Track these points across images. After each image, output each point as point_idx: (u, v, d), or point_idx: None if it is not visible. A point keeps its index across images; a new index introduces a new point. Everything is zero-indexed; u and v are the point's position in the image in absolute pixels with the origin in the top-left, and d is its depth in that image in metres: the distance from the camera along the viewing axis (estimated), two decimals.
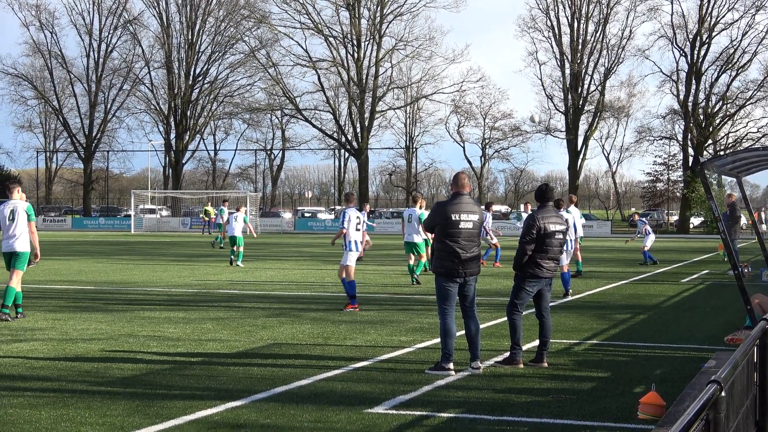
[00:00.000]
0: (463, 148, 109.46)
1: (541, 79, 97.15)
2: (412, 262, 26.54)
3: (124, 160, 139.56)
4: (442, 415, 9.85)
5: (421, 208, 26.48)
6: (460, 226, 12.34)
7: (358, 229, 20.47)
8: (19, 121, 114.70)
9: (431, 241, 22.63)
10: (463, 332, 12.63)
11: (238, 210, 35.34)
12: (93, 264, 34.54)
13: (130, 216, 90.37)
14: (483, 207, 25.90)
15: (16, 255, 17.86)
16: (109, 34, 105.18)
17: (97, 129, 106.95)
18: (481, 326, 13.12)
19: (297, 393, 10.86)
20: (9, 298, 17.64)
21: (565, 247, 22.52)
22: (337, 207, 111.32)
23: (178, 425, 9.26)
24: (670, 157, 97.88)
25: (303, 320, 17.75)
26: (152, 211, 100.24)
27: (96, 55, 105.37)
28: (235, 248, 33.93)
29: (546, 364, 12.81)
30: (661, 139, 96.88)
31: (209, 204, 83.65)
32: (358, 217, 20.54)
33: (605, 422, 9.66)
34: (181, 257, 40.49)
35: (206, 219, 77.52)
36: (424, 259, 26.73)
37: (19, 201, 18.15)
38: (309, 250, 45.66)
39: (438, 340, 12.87)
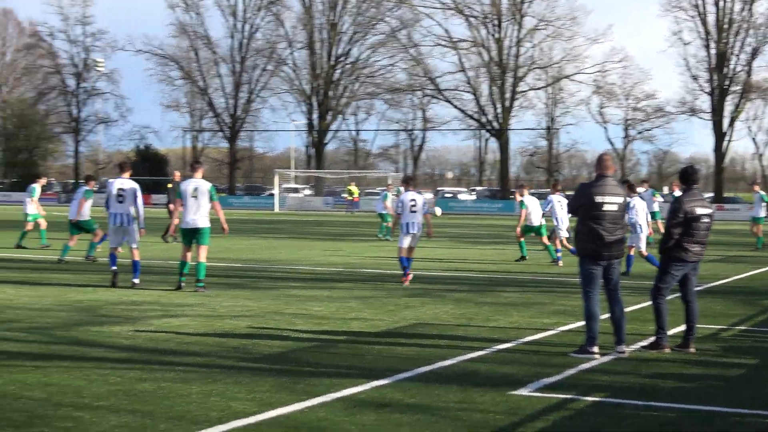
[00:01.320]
0: (605, 129, 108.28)
1: (685, 59, 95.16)
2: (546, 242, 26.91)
3: (268, 139, 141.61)
4: (587, 398, 9.79)
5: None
6: (604, 209, 12.20)
7: (413, 211, 20.85)
8: (167, 101, 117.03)
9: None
10: (607, 315, 12.52)
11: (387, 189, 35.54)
12: (239, 242, 35.13)
13: (273, 195, 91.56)
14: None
15: (199, 231, 18.89)
16: (252, 14, 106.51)
17: (242, 109, 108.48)
18: (626, 310, 12.97)
19: (441, 373, 10.90)
20: (202, 273, 19.00)
21: (637, 229, 23.32)
22: (478, 188, 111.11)
23: (325, 402, 9.38)
24: None
25: (446, 300, 17.80)
26: (295, 190, 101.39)
27: (240, 36, 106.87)
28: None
29: (693, 350, 12.62)
30: None
31: (352, 183, 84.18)
32: (413, 200, 20.90)
33: (755, 410, 9.49)
34: (324, 236, 40.91)
35: (349, 198, 78.11)
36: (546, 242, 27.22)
37: (201, 180, 19.17)
38: (449, 231, 45.67)
39: (582, 323, 12.78)
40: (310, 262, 26.27)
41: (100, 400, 9.34)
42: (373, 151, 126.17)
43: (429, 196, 34.97)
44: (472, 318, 15.49)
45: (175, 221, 20.33)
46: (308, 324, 14.60)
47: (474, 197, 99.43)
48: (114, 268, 19.82)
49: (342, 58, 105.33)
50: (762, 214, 33.16)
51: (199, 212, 18.95)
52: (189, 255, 19.32)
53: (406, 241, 20.95)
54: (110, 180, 20.24)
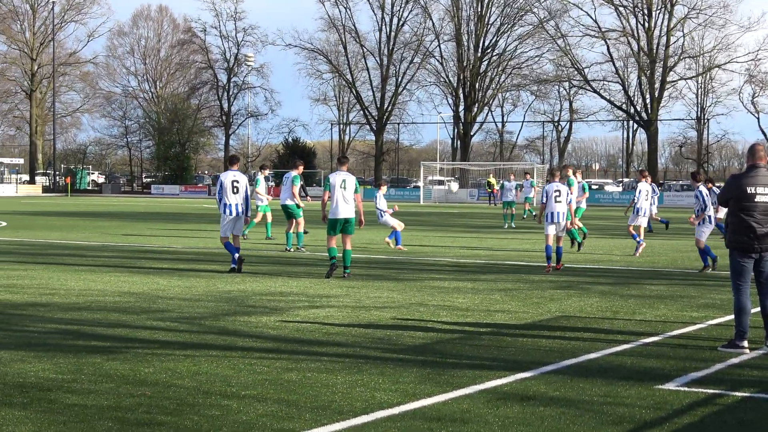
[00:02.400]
0: (758, 119, 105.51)
1: None
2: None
3: (414, 132, 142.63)
4: (736, 394, 9.56)
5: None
6: (756, 200, 11.90)
7: (558, 201, 21.52)
8: (315, 95, 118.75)
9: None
10: (758, 309, 12.21)
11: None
12: (383, 234, 35.30)
13: (419, 187, 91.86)
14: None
15: (348, 221, 19.87)
16: (400, 8, 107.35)
17: (389, 102, 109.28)
18: None
19: (586, 366, 10.78)
20: (348, 260, 19.99)
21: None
22: (625, 180, 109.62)
23: (469, 394, 9.35)
24: None
25: (591, 293, 17.60)
26: (441, 183, 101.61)
27: (388, 29, 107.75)
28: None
29: None
30: None
31: (491, 175, 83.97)
32: (557, 190, 21.58)
33: None
34: (469, 228, 40.87)
35: (489, 190, 77.89)
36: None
37: (348, 173, 20.19)
38: (595, 222, 45.16)
39: (731, 317, 12.49)
40: (454, 254, 26.27)
41: (247, 389, 9.47)
42: (519, 143, 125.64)
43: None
44: (617, 311, 15.29)
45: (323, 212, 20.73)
46: (452, 316, 14.59)
47: (621, 189, 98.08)
48: (237, 254, 20.94)
49: (489, 50, 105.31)
50: None
51: (347, 204, 19.80)
52: (334, 242, 20.17)
53: (552, 230, 21.52)
54: (222, 174, 21.14)
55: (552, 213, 21.52)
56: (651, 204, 27.93)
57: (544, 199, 21.66)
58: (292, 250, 26.19)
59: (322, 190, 21.00)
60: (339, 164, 20.62)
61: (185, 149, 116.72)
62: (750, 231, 11.86)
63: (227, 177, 20.99)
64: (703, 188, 23.04)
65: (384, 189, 28.57)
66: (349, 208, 19.88)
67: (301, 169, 26.57)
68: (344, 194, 19.81)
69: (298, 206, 25.93)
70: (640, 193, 26.23)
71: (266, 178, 25.50)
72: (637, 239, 26.15)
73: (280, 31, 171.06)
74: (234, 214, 20.97)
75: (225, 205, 20.92)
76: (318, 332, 12.90)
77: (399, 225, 27.00)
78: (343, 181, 19.89)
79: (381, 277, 20.05)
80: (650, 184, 27.14)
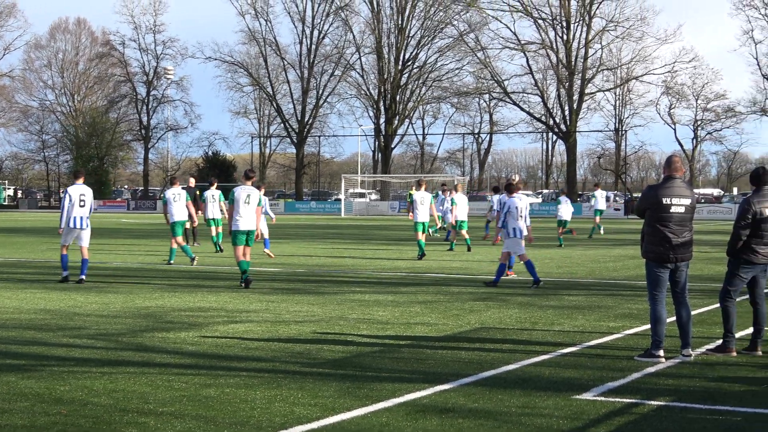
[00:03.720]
0: (674, 130, 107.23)
1: (756, 59, 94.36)
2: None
3: (335, 144, 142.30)
4: (652, 403, 9.68)
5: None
6: (671, 211, 12.06)
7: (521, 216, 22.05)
8: (235, 108, 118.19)
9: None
10: (673, 319, 12.38)
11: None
12: (305, 247, 35.29)
13: (340, 200, 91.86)
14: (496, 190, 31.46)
15: (252, 233, 20.96)
16: (321, 20, 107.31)
17: (309, 114, 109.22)
18: (693, 313, 12.82)
19: (504, 378, 10.85)
20: (246, 267, 20.72)
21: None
22: (545, 191, 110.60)
23: (388, 407, 9.36)
24: None
25: (510, 305, 17.71)
26: (362, 195, 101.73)
27: (309, 42, 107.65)
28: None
29: (760, 353, 12.44)
30: None
31: (412, 188, 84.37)
32: (517, 207, 21.97)
33: None
34: (390, 240, 40.92)
35: (410, 202, 78.14)
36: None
37: (253, 188, 21.11)
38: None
39: (648, 326, 12.66)
40: (374, 267, 26.29)
41: (164, 405, 9.39)
42: (440, 155, 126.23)
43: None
44: (536, 322, 15.41)
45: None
46: (372, 329, 14.60)
47: (540, 200, 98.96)
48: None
49: (409, 63, 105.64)
50: None
51: (251, 217, 20.88)
52: (241, 254, 20.87)
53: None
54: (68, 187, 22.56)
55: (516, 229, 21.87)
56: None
57: (504, 214, 21.95)
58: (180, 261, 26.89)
59: (227, 203, 21.58)
60: (245, 179, 21.41)
61: (104, 163, 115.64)
62: (666, 241, 12.02)
63: (243, 191, 21.07)
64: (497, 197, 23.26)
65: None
66: (253, 221, 20.91)
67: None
68: (248, 208, 20.79)
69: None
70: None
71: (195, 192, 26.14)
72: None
73: (200, 43, 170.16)
74: (74, 226, 22.02)
75: (71, 218, 22.03)
76: (237, 347, 12.84)
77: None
78: (248, 195, 20.85)
79: (301, 291, 20.01)
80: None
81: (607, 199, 49.35)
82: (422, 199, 30.04)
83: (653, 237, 12.14)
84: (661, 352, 11.95)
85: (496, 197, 37.38)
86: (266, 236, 29.37)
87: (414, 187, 30.59)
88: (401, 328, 14.68)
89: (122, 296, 18.88)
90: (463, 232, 34.23)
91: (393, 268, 26.12)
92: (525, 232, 21.83)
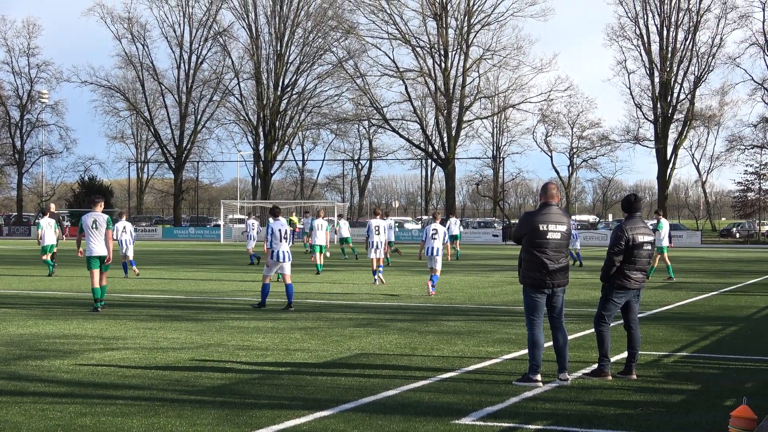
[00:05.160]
0: (551, 157, 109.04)
1: (629, 88, 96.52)
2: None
3: (214, 170, 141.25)
4: (530, 426, 9.79)
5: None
6: (548, 237, 12.25)
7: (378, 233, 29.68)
8: (112, 132, 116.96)
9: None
10: (551, 343, 12.55)
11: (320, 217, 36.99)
12: (183, 273, 34.95)
13: (219, 226, 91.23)
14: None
15: (102, 258, 21.59)
16: (199, 45, 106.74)
17: (188, 140, 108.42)
18: (570, 337, 13.02)
19: (384, 403, 10.87)
20: (103, 294, 21.57)
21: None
22: (424, 217, 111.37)
23: None
24: (762, 166, 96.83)
25: (390, 330, 17.77)
26: (241, 221, 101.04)
27: (186, 67, 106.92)
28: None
29: (635, 376, 12.68)
30: (752, 148, 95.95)
31: (293, 214, 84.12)
32: (377, 226, 29.23)
33: None
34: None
35: (291, 228, 78.02)
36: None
37: (101, 213, 21.83)
38: (394, 261, 45.68)
39: (526, 351, 12.81)
40: (254, 293, 26.13)
41: None
42: (320, 181, 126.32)
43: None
44: (416, 347, 15.48)
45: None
46: (251, 356, 14.52)
47: (420, 226, 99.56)
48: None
49: (288, 89, 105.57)
50: (665, 243, 33.06)
51: (101, 242, 21.46)
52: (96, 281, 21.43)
53: (431, 262, 25.92)
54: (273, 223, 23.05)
55: (431, 248, 25.69)
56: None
57: (424, 237, 25.92)
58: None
59: (78, 231, 22.08)
60: (92, 204, 22.02)
61: None
62: (542, 267, 12.19)
63: (276, 225, 22.48)
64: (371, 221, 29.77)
65: None
66: (103, 246, 21.44)
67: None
68: (97, 233, 21.44)
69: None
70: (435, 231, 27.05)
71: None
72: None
73: (76, 67, 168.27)
74: (284, 260, 22.45)
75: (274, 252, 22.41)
76: (113, 375, 12.65)
77: None
78: (95, 221, 21.48)
79: (179, 318, 19.80)
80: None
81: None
82: (320, 225, 35.47)
83: (530, 263, 12.31)
84: (539, 377, 12.10)
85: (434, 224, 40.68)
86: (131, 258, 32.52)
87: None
88: (281, 355, 14.63)
89: None
90: (320, 255, 36.89)
91: (272, 293, 25.95)
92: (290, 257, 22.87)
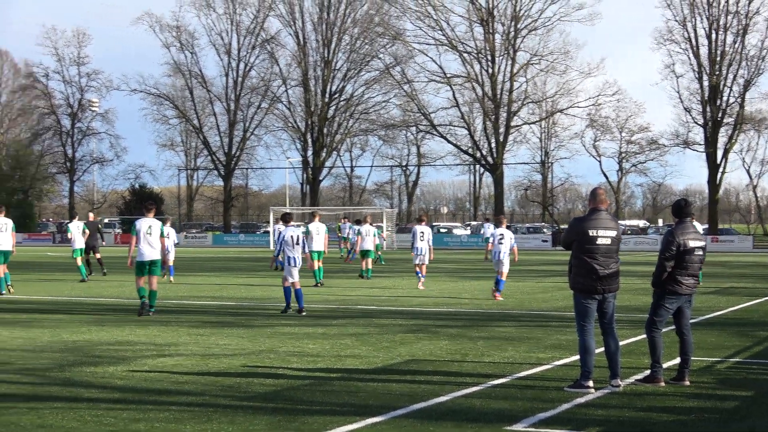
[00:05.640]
0: (600, 162, 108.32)
1: (678, 92, 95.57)
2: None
3: (263, 177, 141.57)
4: None
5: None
6: (597, 242, 12.21)
7: (422, 240, 30.56)
8: (162, 140, 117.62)
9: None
10: (602, 349, 12.50)
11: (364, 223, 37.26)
12: (234, 279, 35.11)
13: (269, 232, 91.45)
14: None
15: (153, 263, 21.89)
16: (247, 53, 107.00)
17: (236, 147, 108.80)
18: (621, 343, 12.96)
19: (436, 410, 10.87)
20: (153, 299, 21.92)
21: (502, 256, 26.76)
22: (473, 222, 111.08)
23: None
24: None
25: (440, 336, 17.76)
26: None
27: (235, 75, 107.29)
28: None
29: (688, 382, 12.60)
30: None
31: (341, 221, 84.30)
32: (422, 232, 30.58)
33: None
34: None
35: (340, 235, 78.19)
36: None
37: (154, 219, 22.17)
38: (444, 266, 45.63)
39: (577, 357, 12.76)
40: (305, 300, 26.19)
41: None
42: (368, 187, 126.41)
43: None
44: (467, 353, 15.46)
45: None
46: (303, 362, 14.57)
47: (469, 232, 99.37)
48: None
49: (336, 95, 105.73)
50: None
51: (152, 247, 21.80)
52: (143, 282, 21.85)
53: (498, 267, 26.64)
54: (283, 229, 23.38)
55: (498, 252, 26.39)
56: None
57: (491, 241, 27.03)
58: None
59: (131, 235, 22.33)
60: (146, 211, 22.41)
61: (28, 196, 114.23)
62: (593, 273, 12.15)
63: (287, 232, 22.68)
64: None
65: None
66: (155, 252, 21.79)
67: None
68: (150, 239, 21.72)
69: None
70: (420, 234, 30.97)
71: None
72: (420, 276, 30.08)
73: (125, 76, 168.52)
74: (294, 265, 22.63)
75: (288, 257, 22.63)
76: (166, 381, 12.74)
77: None
78: (149, 226, 21.83)
79: (231, 324, 19.90)
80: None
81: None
82: (317, 229, 33.35)
83: (580, 269, 12.27)
84: (591, 383, 12.05)
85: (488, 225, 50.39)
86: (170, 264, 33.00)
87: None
88: (332, 361, 14.67)
89: (48, 330, 18.65)
90: (370, 260, 36.93)
91: (323, 300, 26.08)
92: (300, 263, 22.91)
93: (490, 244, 27.62)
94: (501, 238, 26.49)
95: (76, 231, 35.90)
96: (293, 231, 22.85)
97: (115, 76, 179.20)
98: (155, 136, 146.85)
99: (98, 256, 37.89)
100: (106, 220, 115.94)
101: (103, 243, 39.52)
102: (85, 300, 26.21)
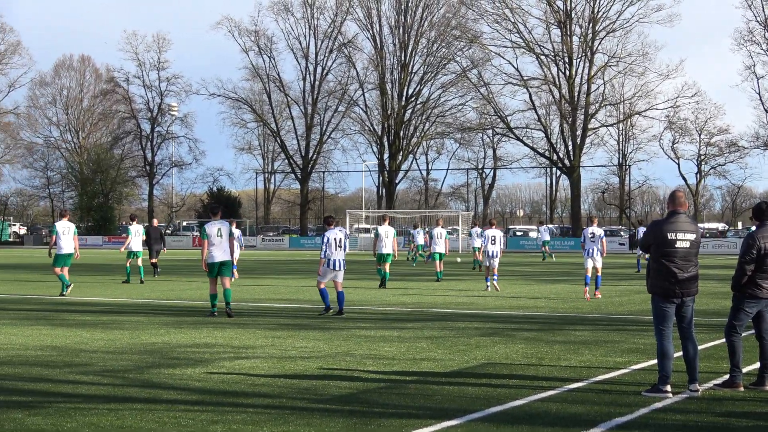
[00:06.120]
0: (678, 164, 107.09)
1: (759, 93, 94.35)
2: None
3: (339, 180, 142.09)
4: None
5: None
6: (676, 246, 12.08)
7: (493, 243, 31.37)
8: (240, 144, 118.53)
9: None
10: (680, 354, 12.36)
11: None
12: (310, 282, 35.23)
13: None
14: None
15: (224, 264, 22.54)
16: (324, 57, 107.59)
17: (313, 150, 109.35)
18: (700, 348, 12.80)
19: (512, 413, 10.81)
20: (229, 297, 22.48)
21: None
22: (549, 225, 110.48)
23: None
24: None
25: (516, 340, 17.68)
26: (367, 231, 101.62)
27: (312, 78, 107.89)
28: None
29: None
30: None
31: (421, 224, 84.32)
32: (493, 236, 30.54)
33: None
34: (394, 276, 40.78)
35: (413, 243, 78.24)
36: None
37: (223, 221, 22.89)
38: (520, 269, 45.47)
39: (654, 361, 12.63)
40: (380, 302, 26.27)
41: None
42: (444, 190, 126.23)
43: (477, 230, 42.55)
44: (543, 357, 15.38)
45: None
46: (378, 365, 14.58)
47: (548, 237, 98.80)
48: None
49: (413, 98, 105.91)
50: None
51: (223, 249, 22.46)
52: (216, 287, 22.56)
53: (589, 263, 28.30)
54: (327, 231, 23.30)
55: (590, 250, 28.14)
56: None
57: (582, 239, 28.58)
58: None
59: (201, 239, 22.95)
60: (212, 214, 23.22)
61: (108, 199, 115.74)
62: (671, 276, 12.02)
63: (331, 234, 22.77)
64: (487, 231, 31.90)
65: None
66: (225, 253, 22.43)
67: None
68: (221, 241, 22.38)
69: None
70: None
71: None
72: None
73: (204, 80, 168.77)
74: (338, 268, 22.83)
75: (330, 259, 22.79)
76: (243, 383, 12.82)
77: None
78: (218, 229, 22.47)
79: (307, 327, 19.98)
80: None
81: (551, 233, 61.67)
82: (386, 233, 33.65)
83: (659, 272, 12.15)
84: (669, 387, 11.92)
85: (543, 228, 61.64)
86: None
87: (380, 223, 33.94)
88: (408, 364, 14.66)
89: (128, 332, 18.87)
90: (440, 262, 37.74)
91: (398, 303, 26.10)
92: (344, 266, 23.12)
93: (481, 246, 31.20)
94: (592, 237, 28.33)
95: (135, 234, 36.64)
96: (336, 233, 22.92)
97: (194, 81, 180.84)
98: (233, 140, 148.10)
99: (154, 260, 39.47)
100: (184, 223, 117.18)
101: (164, 249, 40.97)
102: (164, 302, 26.48)
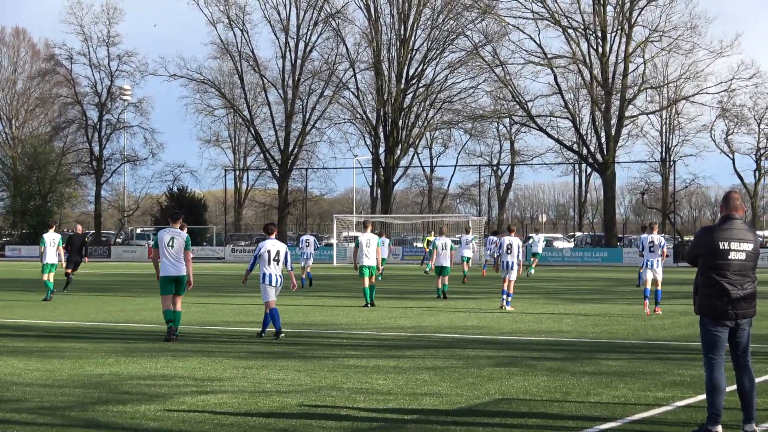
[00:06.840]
0: (733, 160, 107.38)
1: None
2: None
3: (326, 179, 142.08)
4: None
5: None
6: (729, 257, 12.08)
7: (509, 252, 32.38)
8: (205, 135, 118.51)
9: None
10: (734, 387, 12.37)
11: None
12: (289, 301, 35.21)
13: (332, 245, 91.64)
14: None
15: (179, 280, 22.76)
16: (308, 30, 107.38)
17: (294, 143, 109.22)
18: (757, 380, 12.82)
19: None
20: (177, 321, 22.79)
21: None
22: (577, 234, 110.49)
23: None
24: None
25: (537, 371, 17.71)
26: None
27: (293, 56, 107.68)
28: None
29: None
30: None
31: (432, 232, 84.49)
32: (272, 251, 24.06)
33: None
34: (391, 294, 40.81)
35: (428, 249, 78.31)
36: None
37: (179, 230, 23.19)
38: (542, 285, 45.52)
39: (703, 396, 12.66)
40: (373, 326, 26.28)
41: None
42: (451, 191, 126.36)
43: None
44: (568, 391, 15.40)
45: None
46: (371, 401, 14.59)
47: (572, 245, 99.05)
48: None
49: (414, 81, 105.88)
50: None
51: (177, 262, 22.70)
52: (169, 303, 22.80)
53: (649, 275, 30.36)
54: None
55: (649, 261, 30.03)
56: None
57: (641, 248, 30.51)
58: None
59: (152, 248, 23.54)
60: (171, 221, 23.64)
61: (47, 202, 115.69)
62: (723, 294, 12.01)
63: (266, 245, 23.42)
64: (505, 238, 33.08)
65: None
66: (179, 268, 22.64)
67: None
68: (172, 252, 22.66)
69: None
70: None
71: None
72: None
73: (163, 58, 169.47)
74: (276, 284, 23.43)
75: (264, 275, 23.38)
76: (208, 423, 12.82)
77: None
78: (172, 238, 22.75)
79: (286, 355, 20.00)
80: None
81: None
82: (368, 241, 33.60)
83: (708, 289, 12.15)
84: (719, 428, 11.93)
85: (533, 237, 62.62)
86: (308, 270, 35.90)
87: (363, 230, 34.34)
88: (406, 400, 14.68)
89: (70, 361, 18.87)
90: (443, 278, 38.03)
91: (396, 327, 26.12)
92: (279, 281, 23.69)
93: (498, 256, 32.50)
94: (651, 245, 30.07)
95: (50, 244, 37.07)
96: (273, 245, 23.38)
97: (150, 59, 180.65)
98: (198, 131, 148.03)
99: (69, 270, 40.46)
100: (138, 231, 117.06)
101: (86, 260, 42.28)
102: (113, 325, 26.49)
